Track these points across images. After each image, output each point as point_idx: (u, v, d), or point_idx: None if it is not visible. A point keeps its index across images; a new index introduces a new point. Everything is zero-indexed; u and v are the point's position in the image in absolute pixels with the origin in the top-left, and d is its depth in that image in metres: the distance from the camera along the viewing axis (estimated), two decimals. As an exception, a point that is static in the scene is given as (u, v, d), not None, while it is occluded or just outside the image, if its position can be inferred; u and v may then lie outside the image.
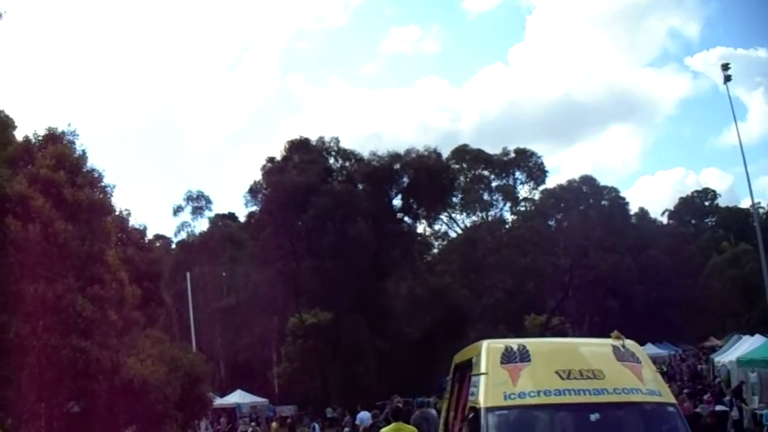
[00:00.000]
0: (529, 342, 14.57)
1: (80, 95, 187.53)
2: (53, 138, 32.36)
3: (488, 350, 14.14)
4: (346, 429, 44.92)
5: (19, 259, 26.54)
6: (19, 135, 35.87)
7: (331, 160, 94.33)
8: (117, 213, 37.35)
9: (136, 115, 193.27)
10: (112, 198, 31.97)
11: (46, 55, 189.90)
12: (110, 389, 27.73)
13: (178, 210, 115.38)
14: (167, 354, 32.94)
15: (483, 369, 13.73)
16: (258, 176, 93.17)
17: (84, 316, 26.33)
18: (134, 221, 44.57)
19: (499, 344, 14.35)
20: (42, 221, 26.58)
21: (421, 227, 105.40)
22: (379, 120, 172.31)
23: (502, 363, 13.61)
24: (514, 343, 14.22)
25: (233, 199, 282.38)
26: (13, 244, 26.22)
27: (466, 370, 15.39)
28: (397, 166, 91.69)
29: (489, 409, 12.90)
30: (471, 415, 13.31)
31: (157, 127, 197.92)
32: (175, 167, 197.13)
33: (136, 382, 27.63)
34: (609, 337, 14.53)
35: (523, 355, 13.67)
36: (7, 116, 36.40)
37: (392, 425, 22.38)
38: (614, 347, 13.97)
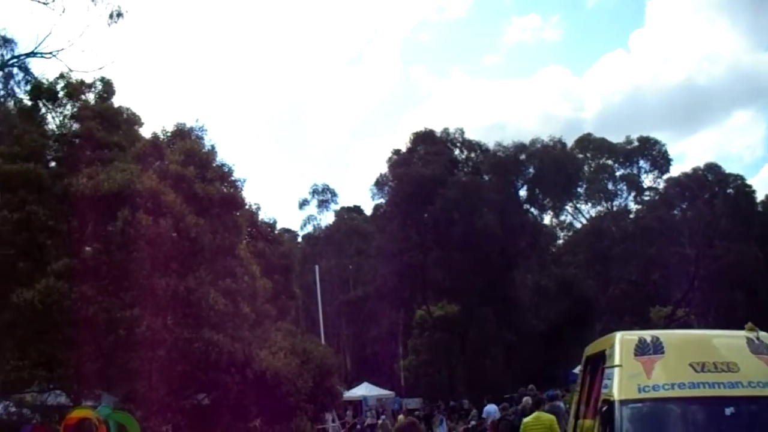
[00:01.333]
0: (662, 333, 14.35)
1: (206, 92, 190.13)
2: (181, 133, 32.83)
3: (622, 342, 13.95)
4: (473, 422, 44.36)
5: (150, 253, 26.95)
6: (146, 132, 36.51)
7: (456, 152, 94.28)
8: (247, 207, 37.64)
9: (261, 111, 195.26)
10: (242, 192, 32.28)
11: (172, 52, 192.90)
12: (242, 381, 28.01)
13: (303, 203, 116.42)
14: (299, 346, 33.16)
15: (617, 361, 13.55)
16: (384, 169, 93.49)
17: (216, 309, 26.64)
18: (263, 215, 44.97)
19: (633, 336, 14.15)
20: (173, 216, 26.95)
21: (547, 218, 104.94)
22: (502, 110, 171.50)
23: (635, 355, 13.41)
24: (647, 334, 14.01)
25: (358, 192, 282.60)
26: (145, 238, 26.62)
27: (599, 362, 15.19)
28: (523, 156, 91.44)
29: (623, 402, 12.73)
30: (604, 408, 13.15)
31: (282, 121, 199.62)
32: (300, 161, 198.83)
33: (269, 374, 27.87)
34: (740, 329, 14.25)
35: (657, 347, 13.46)
36: (133, 113, 37.08)
37: (533, 414, 22.74)
38: (748, 339, 13.67)
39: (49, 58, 46.02)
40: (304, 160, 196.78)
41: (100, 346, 27.58)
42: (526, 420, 22.97)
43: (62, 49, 37.81)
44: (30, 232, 30.46)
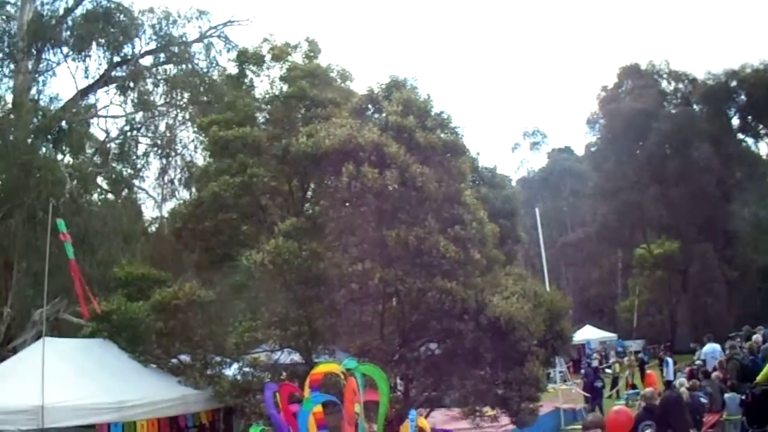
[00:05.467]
0: None
1: (407, 43, 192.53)
2: (396, 85, 32.65)
3: None
4: (698, 362, 42.97)
5: (377, 206, 26.96)
6: (356, 87, 36.71)
7: (664, 84, 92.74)
8: (467, 154, 37.45)
9: (463, 58, 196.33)
10: (463, 139, 32.00)
11: (372, 11, 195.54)
12: (476, 328, 27.79)
13: (515, 147, 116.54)
14: (530, 290, 32.69)
15: None
16: (593, 107, 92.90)
17: (447, 257, 26.42)
18: (482, 162, 44.81)
19: None
20: (397, 167, 26.84)
21: (763, 146, 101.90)
22: (705, 36, 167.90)
23: None
24: None
25: (566, 133, 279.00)
26: (371, 191, 26.60)
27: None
28: (733, 83, 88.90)
29: None
30: None
31: (486, 67, 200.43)
32: (507, 105, 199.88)
33: (503, 320, 27.50)
34: None
35: None
36: (343, 69, 37.40)
37: None
38: None
39: (247, 24, 47.16)
40: (511, 104, 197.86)
41: (332, 302, 27.82)
42: None
43: (257, 16, 38.21)
44: (252, 195, 30.98)
